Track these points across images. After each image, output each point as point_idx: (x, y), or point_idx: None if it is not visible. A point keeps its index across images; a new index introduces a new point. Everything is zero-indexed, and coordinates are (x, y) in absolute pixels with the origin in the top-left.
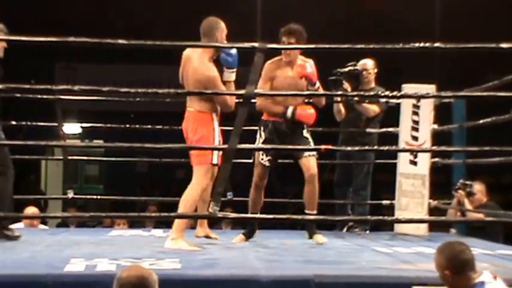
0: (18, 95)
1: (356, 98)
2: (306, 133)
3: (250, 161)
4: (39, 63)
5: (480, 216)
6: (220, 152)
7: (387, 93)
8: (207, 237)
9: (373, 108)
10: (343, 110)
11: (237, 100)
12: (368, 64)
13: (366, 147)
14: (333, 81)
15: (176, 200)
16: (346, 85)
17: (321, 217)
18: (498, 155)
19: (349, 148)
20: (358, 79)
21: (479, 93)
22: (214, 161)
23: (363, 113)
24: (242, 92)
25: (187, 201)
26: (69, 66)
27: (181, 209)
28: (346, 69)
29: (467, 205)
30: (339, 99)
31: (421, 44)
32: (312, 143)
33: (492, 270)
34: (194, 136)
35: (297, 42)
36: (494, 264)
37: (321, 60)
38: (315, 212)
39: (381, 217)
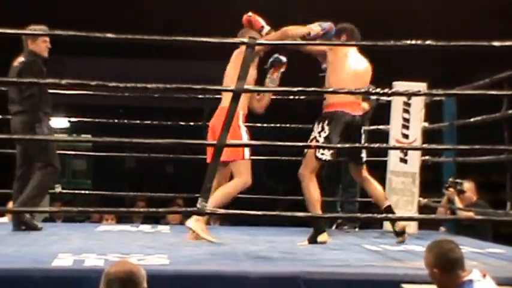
0: (5, 89)
1: None
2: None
3: None
4: None
5: (470, 214)
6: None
7: (378, 90)
8: None
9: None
10: None
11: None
12: None
13: (356, 145)
14: None
15: (165, 195)
16: None
17: (310, 214)
18: (488, 153)
19: (339, 145)
20: None
21: (469, 92)
22: (246, 156)
23: None
24: (232, 87)
25: (225, 192)
26: (57, 60)
27: (214, 197)
28: None
29: (458, 203)
30: None
31: (412, 42)
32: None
33: (481, 269)
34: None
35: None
36: (483, 263)
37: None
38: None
39: (370, 215)
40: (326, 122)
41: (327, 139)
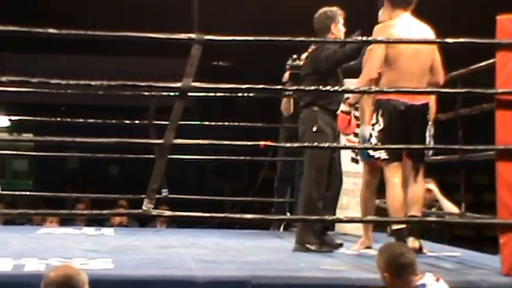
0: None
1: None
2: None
3: (186, 156)
4: None
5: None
6: None
7: (328, 88)
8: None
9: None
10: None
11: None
12: None
13: (306, 144)
14: (295, 75)
15: (109, 197)
16: None
17: (260, 216)
18: (441, 153)
19: (288, 145)
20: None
21: (421, 90)
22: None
23: None
24: (178, 85)
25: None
26: None
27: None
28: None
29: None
30: (290, 93)
31: (363, 38)
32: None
33: (435, 272)
34: None
35: None
36: (437, 266)
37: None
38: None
39: (321, 217)
40: (380, 112)
41: (382, 133)
